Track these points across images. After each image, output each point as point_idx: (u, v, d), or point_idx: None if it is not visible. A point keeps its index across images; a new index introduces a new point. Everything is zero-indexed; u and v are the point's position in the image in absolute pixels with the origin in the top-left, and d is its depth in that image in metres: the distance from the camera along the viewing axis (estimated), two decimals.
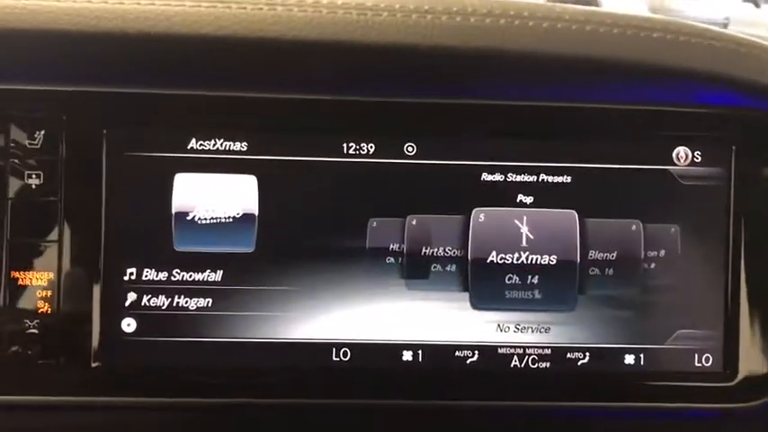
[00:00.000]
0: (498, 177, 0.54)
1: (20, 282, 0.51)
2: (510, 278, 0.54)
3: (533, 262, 0.54)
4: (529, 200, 0.54)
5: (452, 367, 0.54)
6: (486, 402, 0.54)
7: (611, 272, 0.54)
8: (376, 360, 0.53)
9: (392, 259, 0.53)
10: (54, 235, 0.52)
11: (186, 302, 0.53)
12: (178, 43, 0.49)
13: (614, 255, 0.54)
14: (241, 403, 0.53)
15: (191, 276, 0.53)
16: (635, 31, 0.52)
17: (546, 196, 0.54)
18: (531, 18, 0.51)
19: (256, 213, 0.53)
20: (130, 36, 0.49)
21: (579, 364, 0.54)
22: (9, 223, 0.51)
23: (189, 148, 0.52)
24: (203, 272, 0.53)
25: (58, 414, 0.52)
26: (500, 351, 0.54)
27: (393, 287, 0.53)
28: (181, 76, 0.51)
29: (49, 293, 0.51)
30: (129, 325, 0.52)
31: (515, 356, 0.54)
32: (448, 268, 0.54)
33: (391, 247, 0.53)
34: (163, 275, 0.52)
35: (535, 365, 0.54)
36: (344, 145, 0.53)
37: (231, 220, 0.53)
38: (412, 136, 0.53)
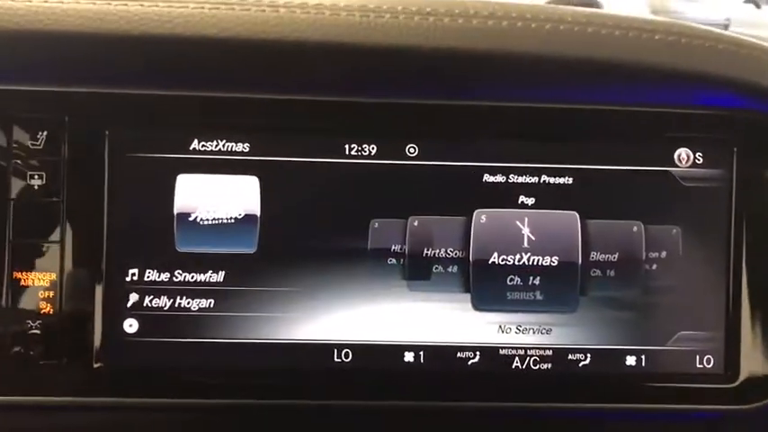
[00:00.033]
0: (500, 179, 0.54)
1: (22, 282, 0.51)
2: (511, 279, 0.54)
3: (535, 263, 0.54)
4: (530, 201, 0.54)
5: (454, 368, 0.54)
6: (487, 403, 0.54)
7: (612, 273, 0.54)
8: (377, 361, 0.53)
9: (394, 260, 0.53)
10: (56, 235, 0.52)
11: (188, 303, 0.53)
12: (181, 45, 0.49)
13: (616, 256, 0.54)
14: (243, 404, 0.53)
15: (192, 277, 0.53)
16: (637, 33, 0.52)
17: (547, 197, 0.54)
18: (534, 20, 0.51)
19: (258, 214, 0.53)
20: (133, 37, 0.49)
21: (580, 365, 0.54)
22: (11, 224, 0.51)
23: (191, 148, 0.52)
24: (205, 272, 0.53)
25: (60, 415, 0.52)
26: (501, 352, 0.54)
27: (395, 288, 0.53)
28: (183, 78, 0.51)
29: (52, 294, 0.52)
30: (131, 325, 0.52)
31: (517, 357, 0.54)
32: (449, 269, 0.54)
33: (393, 248, 0.53)
34: (165, 276, 0.53)
35: (536, 366, 0.54)
36: (346, 146, 0.53)
37: (233, 220, 0.53)
38: (414, 137, 0.53)
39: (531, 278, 0.54)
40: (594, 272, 0.54)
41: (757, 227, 0.54)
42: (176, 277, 0.53)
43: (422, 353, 0.54)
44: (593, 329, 0.54)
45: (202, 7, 0.50)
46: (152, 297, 0.53)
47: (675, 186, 0.54)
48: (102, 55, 0.49)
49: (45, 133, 0.51)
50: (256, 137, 0.53)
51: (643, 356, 0.54)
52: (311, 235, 0.53)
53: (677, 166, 0.54)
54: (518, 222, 0.54)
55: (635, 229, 0.54)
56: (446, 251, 0.54)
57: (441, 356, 0.54)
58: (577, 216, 0.54)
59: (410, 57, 0.50)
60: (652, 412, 0.54)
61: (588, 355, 0.54)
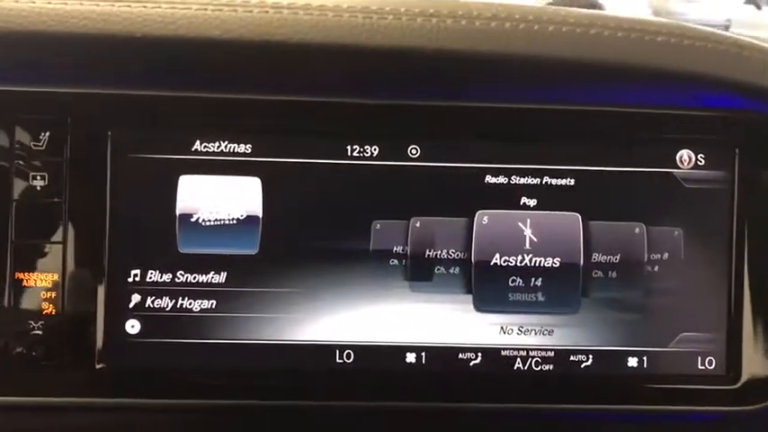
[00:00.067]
0: (502, 180, 0.54)
1: (24, 283, 0.52)
2: (513, 281, 0.54)
3: (537, 264, 0.54)
4: (532, 202, 0.54)
5: (456, 369, 0.54)
6: (489, 405, 0.54)
7: (614, 274, 0.54)
8: (379, 362, 0.53)
9: (396, 261, 0.53)
10: (58, 236, 0.52)
11: (190, 304, 0.53)
12: (184, 46, 0.49)
13: (617, 257, 0.54)
14: (244, 405, 0.53)
15: (195, 278, 0.53)
16: (639, 35, 0.52)
17: (549, 199, 0.54)
18: (536, 22, 0.51)
19: (260, 215, 0.53)
20: (136, 39, 0.49)
21: (582, 366, 0.54)
22: (14, 224, 0.51)
23: (193, 149, 0.53)
24: (207, 273, 0.53)
25: (62, 415, 0.52)
26: (503, 353, 0.54)
27: (397, 289, 0.53)
28: (186, 79, 0.51)
29: (54, 295, 0.52)
30: (133, 326, 0.53)
31: (518, 359, 0.54)
32: (451, 270, 0.54)
33: (395, 249, 0.53)
34: (167, 277, 0.53)
35: (538, 368, 0.54)
36: (348, 147, 0.53)
37: (235, 221, 0.53)
38: (415, 138, 0.53)
39: (533, 279, 0.54)
40: (596, 273, 0.54)
41: (759, 228, 0.54)
42: (178, 278, 0.53)
43: (423, 354, 0.54)
44: (594, 331, 0.54)
45: (205, 9, 0.50)
46: (154, 298, 0.53)
47: (677, 188, 0.54)
48: (105, 56, 0.49)
49: (47, 134, 0.51)
50: (258, 138, 0.53)
51: (645, 358, 0.54)
52: (313, 236, 0.53)
53: (679, 168, 0.54)
54: (520, 223, 0.54)
55: (637, 230, 0.54)
56: (448, 252, 0.54)
57: (442, 357, 0.54)
58: (579, 217, 0.54)
59: (413, 58, 0.50)
60: (654, 413, 0.54)
61: (590, 357, 0.54)
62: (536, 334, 0.54)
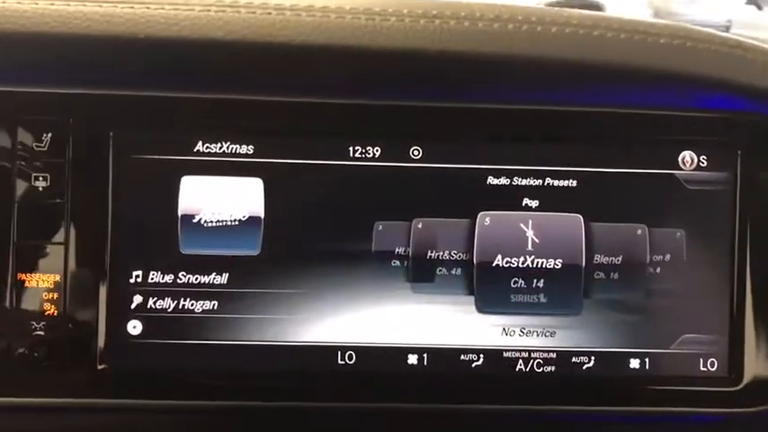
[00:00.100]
0: (504, 181, 0.54)
1: (26, 284, 0.52)
2: (515, 282, 0.54)
3: (539, 266, 0.54)
4: (534, 204, 0.54)
5: (457, 371, 0.54)
6: (491, 406, 0.54)
7: (616, 276, 0.54)
8: (381, 363, 0.53)
9: (398, 262, 0.53)
10: (60, 237, 0.52)
11: (192, 305, 0.53)
12: (186, 47, 0.49)
13: (620, 259, 0.54)
14: (246, 406, 0.53)
15: (196, 279, 0.53)
16: (642, 37, 0.52)
17: (551, 200, 0.54)
18: (539, 23, 0.51)
19: (262, 216, 0.53)
20: (139, 40, 0.49)
21: (584, 368, 0.54)
22: (16, 225, 0.51)
23: (195, 150, 0.53)
24: (209, 274, 0.53)
25: (64, 416, 0.52)
26: (505, 355, 0.54)
27: (398, 290, 0.53)
28: (188, 80, 0.51)
29: (56, 295, 0.52)
30: (134, 327, 0.52)
31: (520, 360, 0.54)
32: (453, 272, 0.54)
33: (397, 250, 0.53)
34: (169, 278, 0.53)
35: (540, 369, 0.54)
36: (350, 148, 0.53)
37: (237, 222, 0.53)
38: (418, 139, 0.53)
39: (535, 281, 0.54)
40: (598, 274, 0.54)
41: (761, 230, 0.54)
42: (180, 279, 0.53)
43: (425, 355, 0.54)
44: (596, 332, 0.54)
45: (208, 10, 0.50)
46: (156, 299, 0.53)
47: (679, 189, 0.54)
48: (108, 57, 0.49)
49: (50, 135, 0.51)
50: (260, 139, 0.53)
51: (647, 359, 0.54)
52: (315, 237, 0.53)
53: (681, 169, 0.54)
54: (522, 225, 0.54)
55: (639, 231, 0.54)
56: (450, 253, 0.54)
57: (444, 359, 0.54)
58: (581, 219, 0.54)
59: (415, 60, 0.50)
60: (655, 415, 0.54)
61: (592, 358, 0.54)
62: (538, 335, 0.54)
